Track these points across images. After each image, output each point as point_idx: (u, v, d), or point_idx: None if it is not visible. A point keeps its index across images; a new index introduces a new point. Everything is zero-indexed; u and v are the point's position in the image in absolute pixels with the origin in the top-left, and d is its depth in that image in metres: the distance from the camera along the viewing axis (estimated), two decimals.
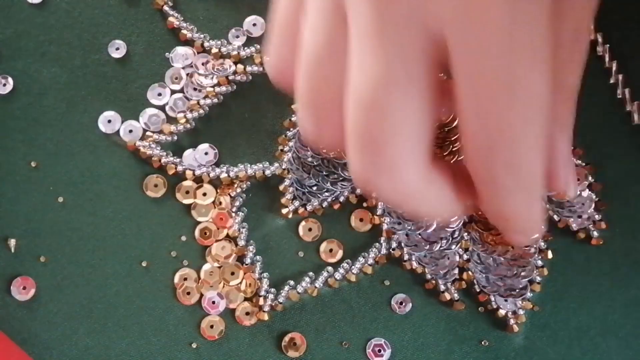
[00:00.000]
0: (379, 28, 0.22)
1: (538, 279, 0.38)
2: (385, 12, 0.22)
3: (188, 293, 0.38)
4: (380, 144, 0.23)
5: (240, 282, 0.38)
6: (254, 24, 0.40)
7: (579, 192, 0.38)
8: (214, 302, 0.38)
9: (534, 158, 0.24)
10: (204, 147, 0.39)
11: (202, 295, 0.38)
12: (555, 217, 0.38)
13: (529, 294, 0.38)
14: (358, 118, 0.23)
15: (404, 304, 0.38)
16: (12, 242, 0.39)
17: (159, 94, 0.39)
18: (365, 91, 0.22)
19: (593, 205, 0.38)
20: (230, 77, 0.39)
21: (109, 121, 0.39)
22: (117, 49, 0.40)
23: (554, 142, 0.28)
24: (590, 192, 0.38)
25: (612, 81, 0.39)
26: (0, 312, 0.38)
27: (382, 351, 0.38)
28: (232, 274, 0.39)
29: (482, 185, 0.25)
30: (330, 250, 0.39)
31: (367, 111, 0.23)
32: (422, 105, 0.23)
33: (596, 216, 0.38)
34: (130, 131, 0.39)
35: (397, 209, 0.35)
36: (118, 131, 0.39)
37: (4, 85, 0.39)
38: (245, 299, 0.38)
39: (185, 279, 0.38)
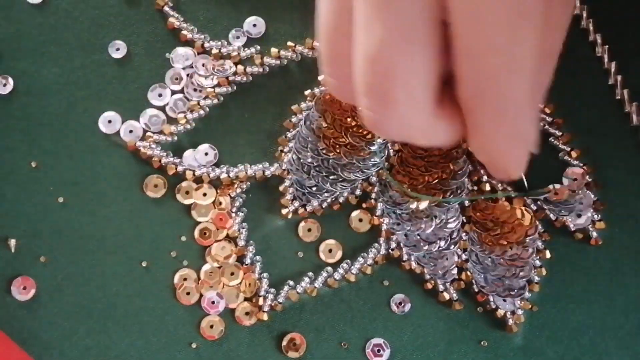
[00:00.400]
0: None
1: (536, 278, 0.38)
2: None
3: (188, 293, 0.38)
4: (387, 94, 0.26)
5: (240, 283, 0.39)
6: (254, 25, 0.40)
7: (577, 192, 0.38)
8: (213, 302, 0.38)
9: (519, 105, 0.26)
10: (204, 147, 0.39)
11: (201, 295, 0.38)
12: (552, 217, 0.38)
13: (527, 294, 0.38)
14: (365, 72, 0.26)
15: (402, 304, 0.38)
16: (13, 242, 0.39)
17: (159, 95, 0.40)
18: (372, 47, 0.25)
19: (592, 205, 0.38)
20: (230, 78, 0.39)
21: (109, 121, 0.39)
22: (118, 49, 0.40)
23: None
24: (588, 192, 0.38)
25: (610, 82, 0.39)
26: (0, 312, 0.38)
27: (381, 351, 0.38)
28: (232, 274, 0.39)
29: (470, 125, 0.28)
30: (330, 251, 0.39)
31: (373, 66, 0.25)
32: (424, 54, 0.25)
33: (595, 216, 0.39)
34: (131, 131, 0.39)
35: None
36: (118, 131, 0.39)
37: (4, 85, 0.39)
38: (245, 299, 0.39)
39: (185, 279, 0.39)
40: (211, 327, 0.38)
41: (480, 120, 0.27)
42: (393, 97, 0.26)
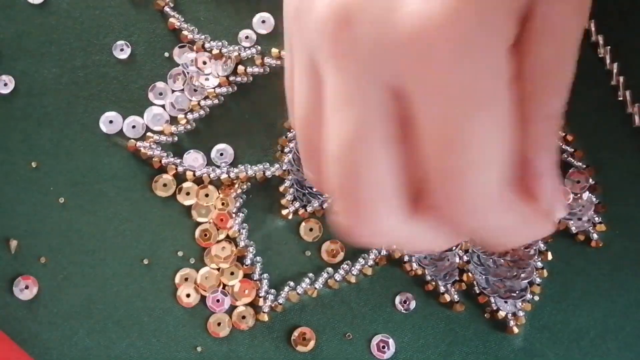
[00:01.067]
0: (344, 90, 0.23)
1: (538, 280, 0.38)
2: (349, 75, 0.23)
3: (188, 295, 0.38)
4: (355, 196, 0.24)
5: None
6: (263, 21, 0.40)
7: (579, 195, 0.38)
8: (218, 301, 0.38)
9: (491, 200, 0.24)
10: (220, 146, 0.39)
11: (202, 297, 0.38)
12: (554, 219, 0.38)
13: (528, 296, 0.38)
14: (333, 173, 0.24)
15: (407, 302, 0.38)
16: (14, 243, 0.39)
17: (160, 94, 0.40)
18: (337, 148, 0.24)
19: (593, 208, 0.38)
20: (231, 78, 0.39)
21: (110, 122, 0.39)
22: (122, 50, 0.40)
23: (533, 162, 0.27)
24: (590, 195, 0.38)
25: (613, 83, 0.39)
26: (0, 312, 0.38)
27: (385, 347, 0.38)
28: (232, 274, 0.39)
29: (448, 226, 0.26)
30: (332, 251, 0.39)
31: (340, 166, 0.24)
32: (390, 155, 0.24)
33: (596, 218, 0.38)
34: (134, 127, 0.39)
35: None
36: (119, 131, 0.39)
37: (5, 85, 0.39)
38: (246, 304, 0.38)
39: (186, 279, 0.39)
40: (219, 324, 0.38)
41: (454, 219, 0.25)
42: (362, 198, 0.24)
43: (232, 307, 0.38)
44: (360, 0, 0.23)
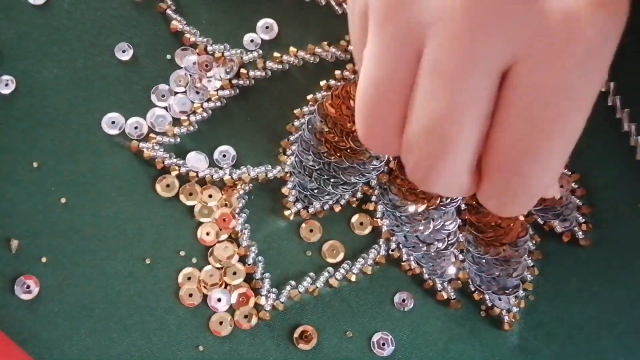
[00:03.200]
0: (453, 65, 0.26)
1: (529, 277, 0.39)
2: (465, 54, 0.25)
3: (190, 295, 0.39)
4: (439, 159, 0.27)
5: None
6: (267, 27, 0.40)
7: (562, 198, 0.40)
8: (219, 300, 0.39)
9: (547, 178, 0.28)
10: (223, 148, 0.40)
11: (205, 296, 0.39)
12: (540, 221, 0.40)
13: (521, 292, 0.39)
14: (421, 138, 0.27)
15: (406, 300, 0.39)
16: (15, 243, 0.39)
17: (163, 95, 0.40)
18: (433, 118, 0.26)
19: (576, 210, 0.40)
20: (234, 82, 0.40)
21: (113, 122, 0.40)
22: (124, 51, 0.40)
23: None
24: (573, 197, 0.40)
25: (603, 89, 0.40)
26: (0, 312, 0.38)
27: (385, 345, 0.39)
28: (234, 273, 0.39)
29: (496, 182, 0.29)
30: (332, 252, 0.40)
31: (432, 133, 0.27)
32: (477, 130, 0.27)
33: (580, 219, 0.40)
34: (136, 128, 0.40)
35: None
36: (121, 132, 0.40)
37: (6, 85, 0.39)
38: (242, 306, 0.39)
39: (189, 278, 0.39)
40: (220, 323, 0.39)
41: (514, 189, 0.28)
42: (443, 162, 0.27)
43: (232, 308, 0.39)
44: None
